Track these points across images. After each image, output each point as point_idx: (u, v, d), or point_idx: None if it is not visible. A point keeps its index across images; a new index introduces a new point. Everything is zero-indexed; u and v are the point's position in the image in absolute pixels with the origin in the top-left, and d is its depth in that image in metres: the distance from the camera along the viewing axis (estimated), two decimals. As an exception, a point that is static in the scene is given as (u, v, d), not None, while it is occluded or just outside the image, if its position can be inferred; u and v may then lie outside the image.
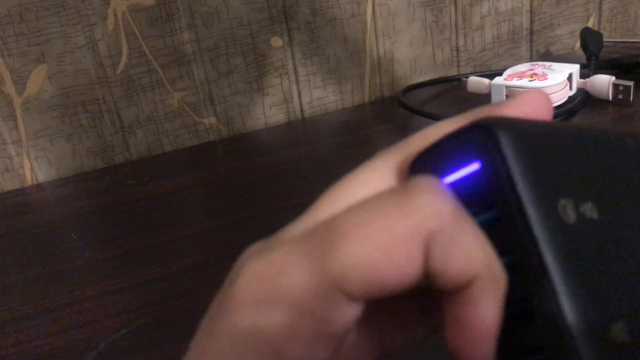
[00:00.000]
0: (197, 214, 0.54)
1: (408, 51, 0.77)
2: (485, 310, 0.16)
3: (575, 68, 0.65)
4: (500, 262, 0.17)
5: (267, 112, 0.74)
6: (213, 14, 0.68)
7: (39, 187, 0.68)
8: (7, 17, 0.62)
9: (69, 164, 0.69)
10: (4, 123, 0.65)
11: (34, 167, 0.68)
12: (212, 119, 0.72)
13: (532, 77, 0.65)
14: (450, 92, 0.74)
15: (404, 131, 0.66)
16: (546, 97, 0.20)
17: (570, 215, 0.17)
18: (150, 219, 0.55)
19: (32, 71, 0.64)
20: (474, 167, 0.17)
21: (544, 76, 0.64)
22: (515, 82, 0.64)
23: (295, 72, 0.74)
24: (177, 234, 0.50)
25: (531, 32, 0.81)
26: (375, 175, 0.18)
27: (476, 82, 0.68)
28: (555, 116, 0.61)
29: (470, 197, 0.17)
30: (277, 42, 0.71)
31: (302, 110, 0.75)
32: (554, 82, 0.63)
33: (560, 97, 0.63)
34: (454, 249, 0.16)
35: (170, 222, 0.53)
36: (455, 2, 0.76)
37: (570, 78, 0.64)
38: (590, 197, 0.18)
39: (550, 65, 0.67)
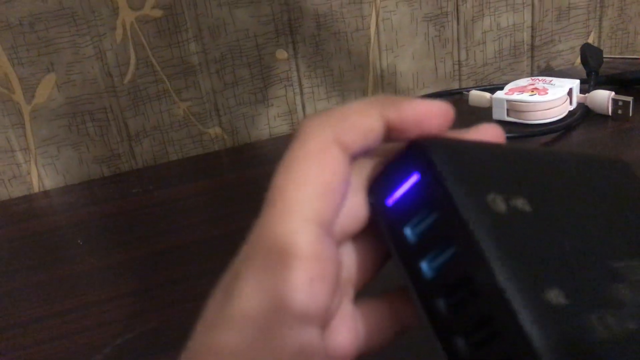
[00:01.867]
0: (201, 221, 0.55)
1: (410, 65, 0.78)
2: (409, 105, 0.20)
3: (575, 83, 0.66)
4: None
5: (272, 122, 0.75)
6: (220, 26, 0.69)
7: (45, 194, 0.69)
8: (18, 26, 0.63)
9: (75, 172, 0.70)
10: (13, 130, 0.66)
11: (41, 174, 0.69)
12: (217, 129, 0.73)
13: (532, 91, 0.66)
14: (452, 106, 0.74)
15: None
16: (499, 131, 0.23)
17: (500, 206, 0.19)
18: (155, 226, 0.56)
19: (41, 80, 0.65)
20: (414, 179, 0.20)
21: (544, 91, 0.65)
22: (516, 97, 0.65)
23: (300, 84, 0.75)
24: (182, 241, 0.51)
25: (532, 48, 0.82)
26: (324, 155, 0.19)
27: (477, 96, 0.69)
28: (555, 130, 0.62)
29: (416, 204, 0.20)
30: (282, 54, 0.73)
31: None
32: (554, 96, 0.64)
33: (560, 111, 0.64)
34: (352, 124, 0.19)
35: (174, 229, 0.53)
36: (458, 17, 0.77)
37: (570, 93, 0.65)
38: (522, 194, 0.20)
39: (551, 80, 0.68)
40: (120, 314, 0.43)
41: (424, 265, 0.19)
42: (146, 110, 0.70)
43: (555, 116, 0.64)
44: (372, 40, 0.75)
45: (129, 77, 0.68)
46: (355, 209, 0.21)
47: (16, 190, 0.69)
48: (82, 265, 0.51)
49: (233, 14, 0.69)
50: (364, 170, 0.21)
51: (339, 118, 0.19)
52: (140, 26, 0.67)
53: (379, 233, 0.21)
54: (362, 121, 0.19)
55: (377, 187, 0.21)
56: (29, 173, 0.69)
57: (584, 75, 0.72)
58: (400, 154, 0.20)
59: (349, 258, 0.22)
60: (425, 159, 0.19)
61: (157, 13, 0.67)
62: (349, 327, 0.22)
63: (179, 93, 0.71)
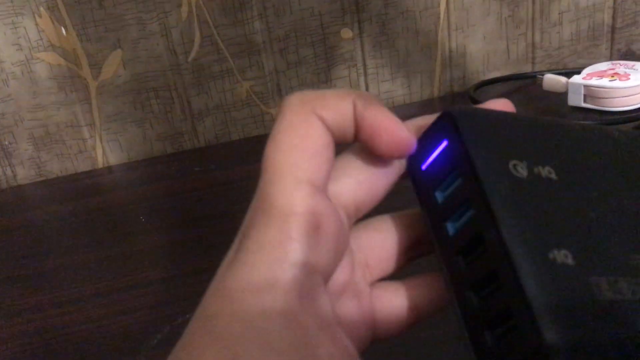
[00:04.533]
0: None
1: (481, 46, 0.74)
2: (376, 111, 0.21)
3: (661, 68, 0.61)
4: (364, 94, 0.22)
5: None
6: (285, 4, 0.68)
7: (109, 169, 0.69)
8: (87, 3, 0.63)
9: (139, 148, 0.70)
10: (80, 106, 0.67)
11: (105, 150, 0.70)
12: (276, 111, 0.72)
13: (613, 76, 0.62)
14: (524, 90, 0.71)
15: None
16: (509, 105, 0.24)
17: (522, 172, 0.20)
18: (217, 206, 0.55)
19: (107, 56, 0.66)
20: (443, 145, 0.21)
21: (626, 76, 0.61)
22: (595, 82, 0.61)
23: (364, 65, 0.73)
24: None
25: (613, 29, 0.77)
26: (305, 124, 0.21)
27: (552, 80, 0.65)
28: (637, 119, 0.58)
29: (444, 169, 0.21)
30: (347, 33, 0.71)
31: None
32: (637, 82, 0.59)
33: (643, 98, 0.60)
34: (328, 102, 0.21)
35: (236, 210, 0.53)
36: (534, -3, 0.73)
37: (655, 79, 0.61)
38: (549, 163, 0.21)
39: (633, 65, 0.63)
40: (180, 292, 0.43)
41: (448, 225, 0.21)
42: (209, 88, 0.70)
43: (637, 103, 0.60)
44: (441, 20, 0.72)
45: (193, 54, 0.68)
46: (366, 185, 0.22)
47: (81, 165, 0.70)
48: (144, 242, 0.51)
49: (299, -9, 0.68)
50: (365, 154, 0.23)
51: (317, 96, 0.21)
52: (205, 3, 0.66)
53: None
54: (337, 102, 0.21)
55: (414, 154, 0.22)
56: (94, 148, 0.69)
57: (671, 60, 0.67)
58: (433, 123, 0.22)
59: (364, 241, 0.24)
60: (453, 127, 0.21)
61: (223, -10, 0.66)
62: (363, 306, 0.23)
63: (242, 72, 0.70)
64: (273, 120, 0.73)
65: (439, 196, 0.21)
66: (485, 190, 0.19)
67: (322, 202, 0.20)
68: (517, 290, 0.17)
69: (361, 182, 0.22)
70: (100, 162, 0.70)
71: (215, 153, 0.69)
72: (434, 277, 0.23)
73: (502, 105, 0.23)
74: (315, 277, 0.20)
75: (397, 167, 0.23)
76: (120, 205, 0.60)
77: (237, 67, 0.69)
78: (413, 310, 0.23)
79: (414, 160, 0.22)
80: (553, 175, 0.20)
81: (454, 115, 0.21)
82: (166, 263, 0.47)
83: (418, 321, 0.24)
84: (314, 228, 0.20)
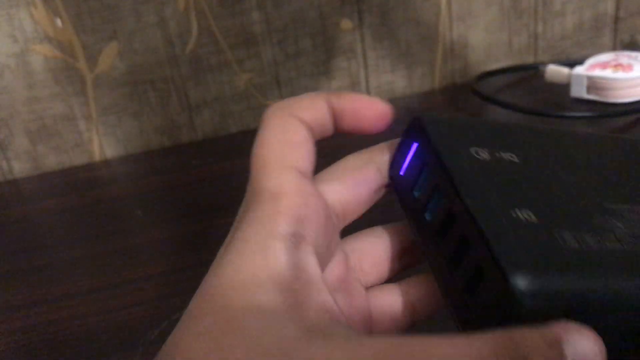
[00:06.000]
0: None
1: (483, 36, 0.73)
2: (347, 97, 0.23)
3: (665, 59, 0.61)
4: None
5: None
6: (283, -6, 0.67)
7: (106, 162, 0.69)
8: (82, -7, 0.62)
9: (136, 142, 0.70)
10: (76, 98, 0.66)
11: (102, 143, 0.69)
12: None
13: (616, 67, 0.61)
14: (526, 81, 0.70)
15: (476, 120, 0.63)
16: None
17: (483, 155, 0.21)
18: (215, 199, 0.55)
19: (103, 48, 0.65)
20: (414, 147, 0.23)
21: (629, 67, 0.60)
22: (598, 73, 0.61)
23: (364, 56, 0.72)
24: (241, 216, 0.50)
25: (616, 20, 0.76)
26: (285, 123, 0.23)
27: (555, 71, 0.65)
28: (639, 110, 0.57)
29: (417, 167, 0.23)
30: (347, 24, 0.70)
31: (369, 95, 0.73)
32: (640, 73, 0.59)
33: (648, 89, 0.59)
34: (303, 104, 0.23)
35: (234, 203, 0.52)
36: (536, -14, 0.72)
37: (660, 69, 0.60)
38: (510, 150, 0.22)
39: (637, 56, 0.62)
40: (178, 287, 0.42)
41: (426, 215, 0.22)
42: (207, 80, 0.69)
43: (641, 95, 0.59)
44: (442, 10, 0.71)
45: (190, 46, 0.67)
46: (352, 188, 0.24)
47: (78, 159, 0.69)
48: (141, 236, 0.50)
49: (297, -19, 0.67)
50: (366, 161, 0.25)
51: (292, 101, 0.23)
52: (203, -6, 0.65)
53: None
54: (311, 102, 0.23)
55: (393, 162, 0.24)
56: (90, 141, 0.69)
57: (675, 51, 0.66)
58: (406, 130, 0.24)
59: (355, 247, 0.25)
60: (420, 129, 0.23)
61: (220, -20, 0.65)
62: (358, 305, 0.24)
63: (241, 64, 0.69)
64: (272, 112, 0.72)
65: (416, 194, 0.23)
66: (448, 169, 0.21)
67: (308, 185, 0.22)
68: (483, 246, 0.18)
69: (347, 185, 0.24)
70: (97, 156, 0.69)
71: (213, 146, 0.68)
72: (430, 276, 0.24)
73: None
74: (306, 247, 0.21)
75: (380, 175, 0.25)
76: (118, 199, 0.59)
77: (235, 58, 0.69)
78: (409, 310, 0.24)
79: (393, 168, 0.24)
80: (515, 159, 0.22)
81: (422, 119, 0.23)
82: (164, 257, 0.46)
83: (415, 321, 0.24)
84: (303, 205, 0.21)
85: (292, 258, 0.20)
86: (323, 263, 0.22)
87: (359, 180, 0.24)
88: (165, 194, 0.58)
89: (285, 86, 0.71)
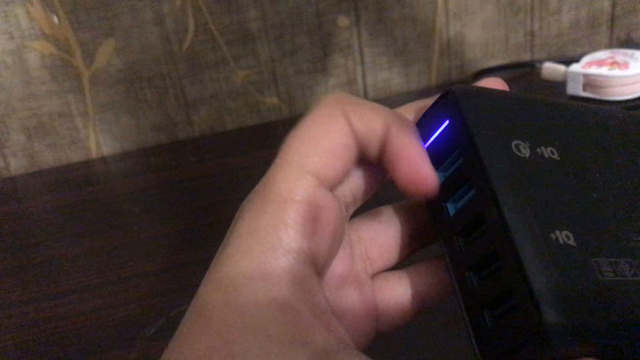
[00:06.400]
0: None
1: (480, 34, 0.74)
2: (406, 140, 0.20)
3: (661, 56, 0.61)
4: (402, 118, 0.21)
5: (330, 93, 0.73)
6: (280, -9, 0.67)
7: (103, 159, 0.69)
8: (79, -10, 0.62)
9: (133, 139, 0.69)
10: (73, 95, 0.66)
11: (99, 140, 0.69)
12: (275, 99, 0.72)
13: (612, 65, 0.61)
14: (523, 78, 0.70)
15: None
16: (502, 84, 0.23)
17: (524, 152, 0.20)
18: (212, 196, 0.55)
19: (100, 45, 0.65)
20: (445, 124, 0.21)
21: (625, 65, 0.60)
22: (594, 70, 0.61)
23: (361, 53, 0.72)
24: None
25: (612, 17, 0.76)
26: (330, 121, 0.20)
27: (551, 68, 0.65)
28: (636, 107, 0.57)
29: (445, 148, 0.21)
30: (344, 21, 0.70)
31: (365, 92, 0.74)
32: (636, 70, 0.59)
33: (643, 87, 0.60)
34: (362, 111, 0.20)
35: (232, 200, 0.52)
36: (533, -16, 0.72)
37: (655, 67, 0.60)
38: (551, 144, 0.20)
39: (633, 54, 0.63)
40: (175, 284, 0.42)
41: (449, 206, 0.21)
42: (204, 77, 0.69)
43: (636, 92, 0.59)
44: (439, 7, 0.71)
45: (187, 43, 0.67)
46: (362, 174, 0.22)
47: (75, 156, 0.69)
48: (139, 233, 0.50)
49: (294, -22, 0.67)
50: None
51: (352, 100, 0.21)
52: (199, -10, 0.65)
53: None
54: (370, 113, 0.20)
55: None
56: (87, 138, 0.69)
57: (671, 48, 0.66)
58: (435, 103, 0.21)
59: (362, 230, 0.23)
60: (454, 106, 0.20)
61: (217, -23, 0.65)
62: (364, 297, 0.22)
63: (237, 60, 0.69)
64: (268, 110, 0.72)
65: (440, 177, 0.21)
66: (486, 169, 0.19)
67: (324, 196, 0.20)
68: (517, 270, 0.17)
69: (357, 171, 0.22)
70: (94, 153, 0.69)
71: (210, 143, 0.68)
72: (436, 264, 0.23)
73: (493, 83, 0.23)
74: (309, 266, 0.19)
75: None
76: (114, 196, 0.59)
77: (232, 55, 0.69)
78: (417, 299, 0.23)
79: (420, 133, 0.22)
80: (555, 156, 0.20)
81: (456, 93, 0.20)
82: (161, 254, 0.47)
83: (422, 310, 0.23)
84: (312, 218, 0.19)
85: (295, 278, 0.18)
86: (327, 265, 0.21)
87: (372, 165, 0.22)
88: (162, 191, 0.58)
89: (282, 83, 0.71)
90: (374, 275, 0.23)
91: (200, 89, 0.69)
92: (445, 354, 0.32)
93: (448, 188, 0.20)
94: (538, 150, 0.20)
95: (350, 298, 0.22)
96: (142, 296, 0.42)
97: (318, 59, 0.71)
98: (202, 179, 0.59)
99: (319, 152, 0.20)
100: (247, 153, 0.64)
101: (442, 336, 0.33)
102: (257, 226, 0.19)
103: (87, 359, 0.37)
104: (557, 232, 0.18)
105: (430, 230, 0.22)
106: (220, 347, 0.17)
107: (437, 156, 0.21)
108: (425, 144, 0.21)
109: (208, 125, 0.71)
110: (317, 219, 0.19)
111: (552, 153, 0.20)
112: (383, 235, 0.23)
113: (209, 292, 0.19)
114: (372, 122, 0.20)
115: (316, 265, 0.20)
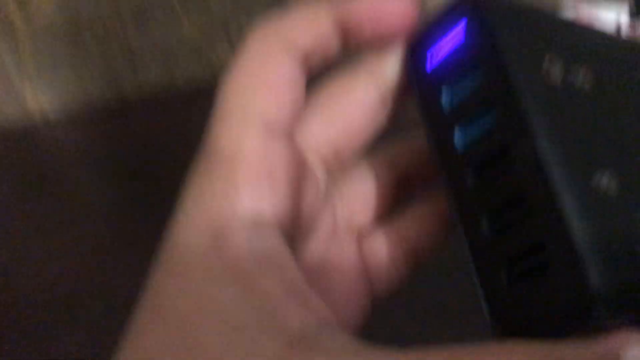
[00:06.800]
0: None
1: None
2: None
3: (623, 10, 0.60)
4: None
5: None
6: None
7: (42, 116, 0.66)
8: None
9: (75, 93, 0.66)
10: (8, 47, 0.63)
11: (38, 95, 0.66)
12: (225, 53, 0.69)
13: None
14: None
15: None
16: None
17: (557, 72, 0.16)
18: (159, 155, 0.53)
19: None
20: (461, 34, 0.17)
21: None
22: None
23: None
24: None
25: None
26: (266, 58, 0.18)
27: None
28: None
29: (460, 62, 0.17)
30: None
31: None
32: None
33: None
34: (299, 24, 0.18)
35: (180, 159, 0.51)
36: None
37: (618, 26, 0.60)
38: (586, 62, 0.17)
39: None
40: (120, 256, 0.41)
41: (458, 133, 0.17)
42: (150, 28, 0.65)
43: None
44: None
45: (131, -10, 0.63)
46: (342, 123, 0.20)
47: (11, 111, 0.66)
48: (81, 197, 0.48)
49: None
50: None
51: (285, 22, 0.18)
52: None
53: (416, 102, 0.19)
54: (312, 21, 0.18)
55: (417, 46, 0.18)
56: (24, 93, 0.65)
57: None
58: (448, 9, 0.17)
59: (351, 187, 0.21)
60: (475, 10, 0.17)
61: None
62: (352, 260, 0.20)
63: (186, 11, 0.66)
64: (220, 63, 0.69)
65: (448, 95, 0.18)
66: (516, 89, 0.15)
67: (278, 146, 0.18)
68: (555, 217, 0.14)
69: (335, 120, 0.19)
70: (32, 108, 0.66)
71: (157, 97, 0.66)
72: (425, 208, 0.21)
73: None
74: (274, 234, 0.17)
75: (380, 93, 0.20)
76: (55, 153, 0.56)
77: (179, 4, 0.65)
78: (410, 253, 0.21)
79: (415, 52, 0.19)
80: (589, 79, 0.17)
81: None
82: (105, 220, 0.45)
83: (418, 263, 0.21)
84: (266, 176, 0.17)
85: (258, 251, 0.16)
86: (302, 229, 0.19)
87: (355, 111, 0.20)
88: (107, 150, 0.56)
89: (234, 35, 0.68)
90: (360, 234, 0.21)
91: (147, 41, 0.66)
92: (449, 320, 0.31)
93: (460, 110, 0.17)
94: (572, 69, 0.17)
95: (337, 261, 0.20)
96: (88, 269, 0.40)
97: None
98: (149, 136, 0.57)
99: (261, 90, 0.17)
100: (197, 107, 0.61)
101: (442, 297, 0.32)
102: (203, 195, 0.17)
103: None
104: (599, 175, 0.15)
105: (419, 175, 0.20)
106: (177, 341, 0.15)
107: (447, 71, 0.18)
108: (428, 65, 0.18)
109: (155, 79, 0.68)
110: (274, 175, 0.17)
111: (585, 78, 0.17)
112: (365, 190, 0.21)
113: (161, 276, 0.16)
114: (316, 24, 0.18)
115: (285, 232, 0.17)
